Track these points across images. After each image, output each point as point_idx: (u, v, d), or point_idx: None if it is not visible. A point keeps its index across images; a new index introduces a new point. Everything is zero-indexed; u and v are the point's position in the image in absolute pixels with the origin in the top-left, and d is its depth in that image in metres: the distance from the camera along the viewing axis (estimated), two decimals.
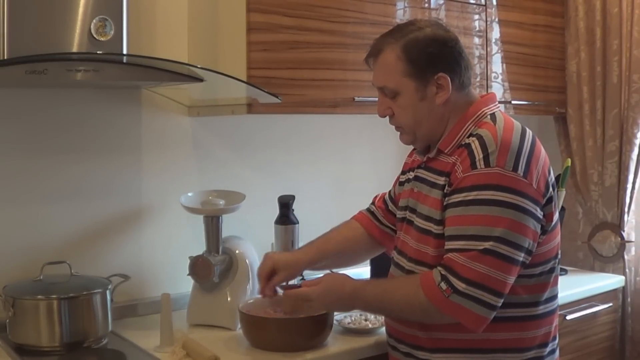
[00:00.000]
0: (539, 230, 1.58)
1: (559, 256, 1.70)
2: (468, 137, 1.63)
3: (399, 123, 1.72)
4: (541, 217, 1.58)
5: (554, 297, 1.69)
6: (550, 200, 1.61)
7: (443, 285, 1.53)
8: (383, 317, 1.88)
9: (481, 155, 1.56)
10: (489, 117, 1.65)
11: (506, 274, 1.53)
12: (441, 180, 1.64)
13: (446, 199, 1.60)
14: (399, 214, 1.82)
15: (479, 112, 1.66)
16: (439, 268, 1.56)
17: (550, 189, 1.61)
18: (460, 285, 1.51)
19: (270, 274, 1.83)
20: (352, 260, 2.02)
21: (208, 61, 2.03)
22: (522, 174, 1.54)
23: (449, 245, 1.57)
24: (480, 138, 1.59)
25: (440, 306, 1.54)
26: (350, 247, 1.96)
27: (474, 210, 1.54)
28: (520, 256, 1.54)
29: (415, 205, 1.72)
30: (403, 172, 1.88)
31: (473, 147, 1.59)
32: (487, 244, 1.52)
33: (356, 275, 2.06)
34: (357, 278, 1.75)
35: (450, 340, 1.62)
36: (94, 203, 2.12)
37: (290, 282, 1.90)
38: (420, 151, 1.76)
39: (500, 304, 1.54)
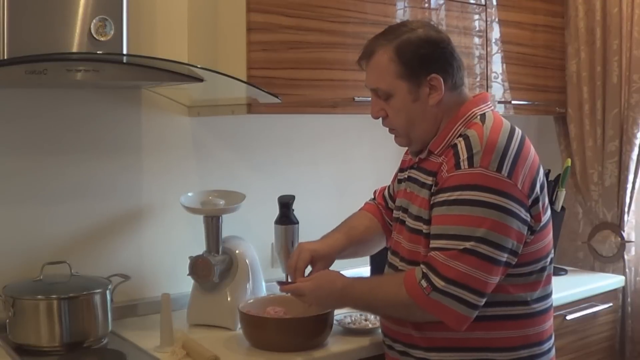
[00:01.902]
0: (524, 231, 1.58)
1: (552, 255, 1.70)
2: (457, 138, 1.63)
3: (392, 125, 1.73)
4: (527, 218, 1.58)
5: (546, 296, 1.69)
6: (537, 201, 1.60)
7: (423, 283, 1.54)
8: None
9: (465, 156, 1.57)
10: (478, 117, 1.66)
11: (488, 273, 1.53)
12: (429, 180, 1.65)
13: (432, 198, 1.61)
14: (395, 213, 1.83)
15: (469, 113, 1.67)
16: (421, 266, 1.57)
17: (537, 190, 1.61)
18: (439, 283, 1.52)
19: (307, 266, 1.83)
20: (370, 250, 2.04)
21: (208, 61, 2.03)
22: (506, 175, 1.55)
23: (432, 244, 1.58)
24: (466, 138, 1.60)
25: (421, 304, 1.55)
26: (370, 237, 1.97)
27: (456, 210, 1.55)
28: (503, 257, 1.55)
29: (408, 206, 1.73)
30: (401, 170, 1.89)
31: (459, 147, 1.60)
32: (467, 244, 1.52)
33: (356, 275, 2.06)
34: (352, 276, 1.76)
35: (443, 339, 1.62)
36: (94, 203, 2.12)
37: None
38: (414, 152, 1.76)
39: (482, 304, 1.55)
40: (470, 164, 1.56)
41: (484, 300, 1.55)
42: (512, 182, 1.55)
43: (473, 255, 1.52)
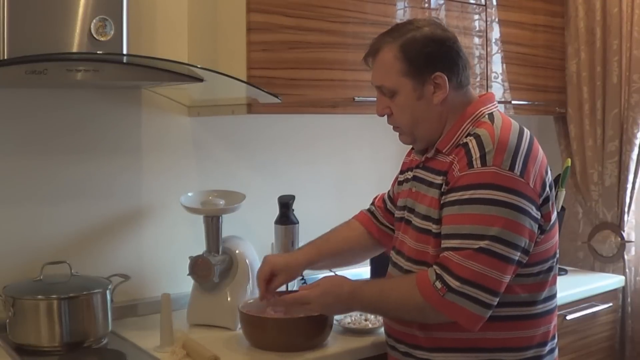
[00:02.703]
0: (535, 230, 1.58)
1: (557, 255, 1.70)
2: (466, 137, 1.63)
3: (397, 122, 1.72)
4: (538, 216, 1.58)
5: (552, 296, 1.69)
6: (547, 200, 1.60)
7: (438, 284, 1.53)
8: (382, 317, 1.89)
9: (478, 155, 1.56)
10: (486, 116, 1.65)
11: (501, 272, 1.53)
12: (439, 180, 1.64)
13: (443, 197, 1.61)
14: (398, 213, 1.82)
15: (477, 112, 1.67)
16: (435, 267, 1.56)
17: (547, 189, 1.61)
18: (454, 284, 1.52)
19: (269, 277, 1.84)
20: (351, 260, 2.03)
21: (208, 61, 2.03)
22: (518, 173, 1.54)
23: (445, 243, 1.57)
24: (477, 137, 1.59)
25: (436, 305, 1.54)
26: (350, 247, 1.97)
27: (469, 209, 1.54)
28: (516, 255, 1.54)
29: (414, 205, 1.72)
30: (402, 172, 1.89)
31: (470, 146, 1.59)
32: (482, 243, 1.52)
33: (356, 275, 2.06)
34: (356, 279, 1.75)
35: (448, 339, 1.62)
36: (94, 203, 2.12)
37: (291, 285, 1.90)
38: (419, 151, 1.76)
39: (495, 303, 1.54)
40: (483, 162, 1.55)
41: (497, 299, 1.54)
42: (524, 181, 1.55)
43: (488, 255, 1.51)
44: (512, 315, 1.62)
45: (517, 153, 1.56)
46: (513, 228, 1.53)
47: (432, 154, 1.71)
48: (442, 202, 1.61)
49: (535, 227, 1.58)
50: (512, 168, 1.54)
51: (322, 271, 2.14)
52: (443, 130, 1.68)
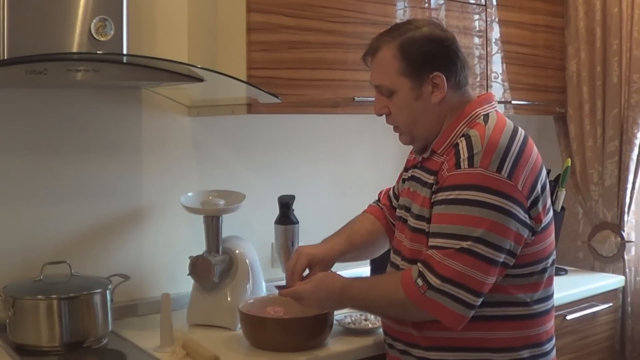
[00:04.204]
0: (523, 233, 1.57)
1: (553, 257, 1.70)
2: (459, 138, 1.63)
3: (395, 122, 1.73)
4: (527, 219, 1.57)
5: (547, 297, 1.69)
6: (536, 202, 1.59)
7: (419, 282, 1.54)
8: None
9: (466, 155, 1.57)
10: (482, 117, 1.65)
11: (484, 274, 1.53)
12: (430, 179, 1.65)
13: (433, 196, 1.62)
14: (398, 212, 1.83)
15: (473, 113, 1.67)
16: (418, 264, 1.57)
17: (537, 191, 1.60)
18: (434, 281, 1.52)
19: (305, 270, 1.83)
20: (373, 253, 2.03)
21: (208, 61, 2.03)
22: (506, 176, 1.54)
23: (430, 242, 1.58)
24: (468, 138, 1.60)
25: (417, 302, 1.55)
26: (373, 241, 1.97)
27: (454, 209, 1.55)
28: (501, 257, 1.54)
29: (410, 205, 1.73)
30: (405, 169, 1.89)
31: (460, 147, 1.60)
32: (464, 243, 1.52)
33: (357, 275, 2.06)
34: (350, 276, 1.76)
35: (443, 338, 1.62)
36: (94, 203, 2.12)
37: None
38: (417, 151, 1.76)
39: (478, 303, 1.55)
40: (470, 163, 1.56)
41: (480, 300, 1.55)
42: (512, 183, 1.55)
43: (470, 255, 1.52)
44: (506, 315, 1.62)
45: (507, 155, 1.56)
46: (498, 230, 1.53)
47: (428, 154, 1.71)
48: (431, 201, 1.62)
49: (524, 230, 1.57)
50: (499, 170, 1.54)
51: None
52: (440, 131, 1.69)
